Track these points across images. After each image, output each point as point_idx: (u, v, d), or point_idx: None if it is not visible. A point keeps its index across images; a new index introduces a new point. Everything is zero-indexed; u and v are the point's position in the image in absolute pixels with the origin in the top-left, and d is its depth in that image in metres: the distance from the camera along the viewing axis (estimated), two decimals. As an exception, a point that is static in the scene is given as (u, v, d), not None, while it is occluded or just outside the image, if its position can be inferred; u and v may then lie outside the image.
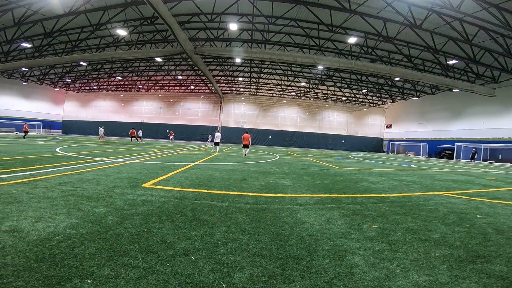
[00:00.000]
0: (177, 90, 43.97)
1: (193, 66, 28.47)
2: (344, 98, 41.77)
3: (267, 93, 42.59)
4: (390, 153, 41.67)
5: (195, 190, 4.79)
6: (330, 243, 2.61)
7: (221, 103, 43.52)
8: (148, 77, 37.29)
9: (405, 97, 38.33)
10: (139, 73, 35.22)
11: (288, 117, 44.48)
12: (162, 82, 39.43)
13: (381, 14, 16.57)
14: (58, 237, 2.35)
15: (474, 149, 26.42)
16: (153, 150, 15.15)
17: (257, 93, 43.07)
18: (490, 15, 14.12)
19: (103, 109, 46.09)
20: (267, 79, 34.86)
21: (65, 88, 45.29)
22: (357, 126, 46.05)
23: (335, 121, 45.66)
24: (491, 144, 27.30)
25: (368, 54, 22.77)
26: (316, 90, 38.86)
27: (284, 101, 44.50)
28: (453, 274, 2.06)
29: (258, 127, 42.91)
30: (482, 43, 18.43)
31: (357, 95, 40.23)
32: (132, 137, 25.86)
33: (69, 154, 9.90)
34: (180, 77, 36.24)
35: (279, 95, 43.26)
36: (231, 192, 4.78)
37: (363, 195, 5.14)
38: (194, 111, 44.16)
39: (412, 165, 15.34)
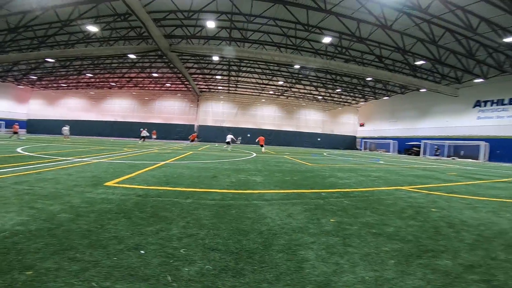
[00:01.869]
0: (152, 88, 42.63)
1: (169, 64, 27.74)
2: (320, 97, 42.74)
3: (246, 91, 42.51)
4: (362, 150, 43.36)
5: (160, 188, 4.68)
6: (286, 237, 2.64)
7: (198, 101, 42.83)
8: (122, 74, 35.77)
9: (376, 96, 39.96)
10: (111, 70, 33.67)
11: (267, 116, 44.78)
12: (136, 79, 38.02)
13: (355, 15, 17.04)
14: (4, 233, 2.28)
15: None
16: (124, 149, 14.61)
17: (236, 92, 42.87)
18: (456, 17, 14.92)
19: (72, 107, 43.65)
20: (246, 77, 34.80)
21: (30, 86, 42.34)
22: (332, 124, 47.37)
23: (311, 119, 46.65)
24: (454, 141, 29.23)
25: (342, 54, 23.44)
26: (293, 89, 39.41)
27: (263, 100, 44.74)
28: (400, 270, 2.06)
29: (237, 125, 42.83)
30: (447, 44, 19.56)
31: (332, 95, 41.31)
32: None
33: (31, 154, 9.30)
34: (155, 75, 35.15)
35: (258, 94, 43.38)
36: (198, 189, 4.73)
37: (329, 190, 5.29)
38: (170, 109, 43.08)
39: (381, 162, 16.05)
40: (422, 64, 24.59)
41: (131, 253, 2.09)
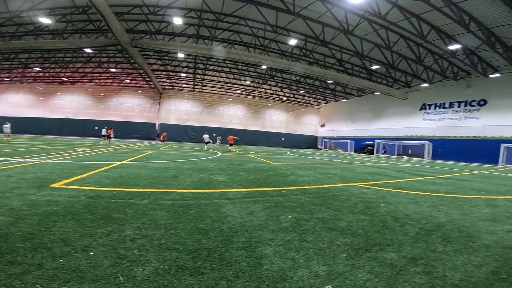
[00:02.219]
0: (109, 84, 39.86)
1: (130, 59, 26.22)
2: (284, 98, 43.85)
3: (212, 90, 41.89)
4: (323, 149, 45.48)
5: (113, 189, 4.41)
6: (247, 235, 2.67)
7: (160, 98, 41.11)
8: (75, 69, 32.90)
9: (336, 99, 42.24)
10: (63, 64, 30.79)
11: (233, 115, 44.64)
12: (91, 74, 35.25)
13: (321, 19, 17.69)
14: None
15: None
16: (75, 149, 13.47)
17: (202, 90, 42.04)
18: (410, 25, 16.10)
19: (16, 103, 39.05)
20: (213, 76, 34.30)
21: (-35, 80, 36.97)
22: (296, 125, 48.91)
23: (276, 119, 47.64)
24: (403, 141, 32.05)
25: (306, 57, 24.31)
26: (260, 89, 39.85)
27: (230, 99, 44.52)
28: (350, 263, 2.14)
29: (202, 124, 42.00)
30: (400, 50, 21.28)
31: (296, 96, 42.64)
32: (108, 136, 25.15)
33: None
34: (113, 70, 32.94)
35: (225, 93, 43.04)
36: (156, 190, 4.55)
37: (289, 188, 5.46)
38: (129, 106, 40.67)
39: (339, 160, 16.96)
40: (377, 69, 26.52)
41: (80, 255, 2.01)
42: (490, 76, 23.81)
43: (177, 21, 17.37)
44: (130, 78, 37.10)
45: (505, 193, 6.24)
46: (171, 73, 33.85)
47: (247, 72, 31.77)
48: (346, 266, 2.09)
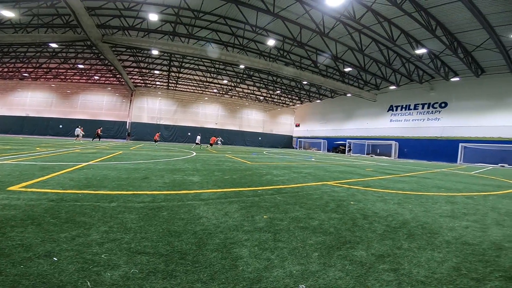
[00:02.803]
0: (76, 80, 37.52)
1: (99, 55, 24.88)
2: (261, 97, 44.13)
3: (188, 88, 40.98)
4: (298, 149, 46.46)
5: (79, 191, 4.15)
6: (222, 236, 2.65)
7: (132, 96, 39.46)
8: (38, 65, 30.53)
9: (311, 99, 43.31)
10: (25, 59, 28.45)
11: (210, 114, 44.06)
12: (57, 70, 32.93)
13: (299, 20, 18.00)
14: None
15: (348, 144, 32.40)
16: (36, 149, 12.52)
17: (176, 88, 40.97)
18: (382, 29, 16.85)
19: (-34, 100, 35.44)
20: (189, 74, 33.56)
21: None
22: (272, 124, 49.45)
23: (253, 119, 47.81)
24: (372, 140, 33.66)
25: (283, 58, 24.66)
26: (237, 89, 39.72)
27: (206, 98, 43.87)
28: (323, 262, 2.17)
29: (177, 123, 40.98)
30: (371, 54, 22.25)
31: (272, 96, 43.08)
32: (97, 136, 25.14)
33: None
34: (81, 66, 31.02)
35: (201, 92, 42.32)
36: (125, 192, 4.36)
37: (264, 188, 5.49)
38: (97, 104, 38.56)
39: (313, 159, 17.40)
40: (349, 71, 27.59)
41: (42, 261, 1.89)
42: (451, 79, 25.73)
43: (153, 17, 16.80)
44: (99, 74, 35.21)
45: (462, 190, 6.73)
46: (144, 70, 32.63)
47: (224, 71, 31.51)
48: (318, 265, 2.11)
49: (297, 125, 50.42)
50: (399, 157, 30.48)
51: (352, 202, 4.53)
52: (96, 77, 36.47)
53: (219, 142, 31.68)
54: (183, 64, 29.76)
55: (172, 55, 26.71)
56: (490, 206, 4.76)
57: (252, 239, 2.62)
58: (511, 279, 1.96)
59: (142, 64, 30.54)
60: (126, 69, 31.31)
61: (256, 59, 23.29)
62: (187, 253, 2.20)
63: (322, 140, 41.68)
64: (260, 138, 46.89)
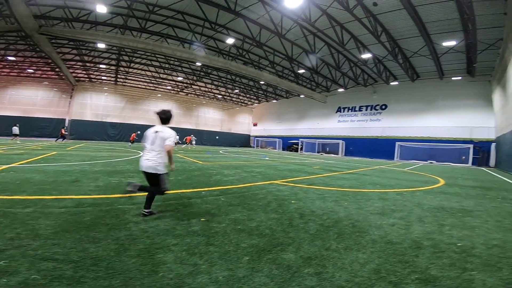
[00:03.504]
0: (5, 74, 32.43)
1: (36, 47, 21.90)
2: (220, 96, 43.50)
3: (139, 84, 38.39)
4: (255, 148, 47.01)
5: (-15, 198, 3.56)
6: (147, 241, 2.50)
7: (73, 91, 35.55)
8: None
9: (268, 99, 44.08)
10: None
11: (163, 112, 41.86)
12: (-20, 62, 28.04)
13: (260, 21, 18.01)
14: None
15: (301, 142, 34.00)
16: None
17: (126, 84, 38.07)
18: (334, 33, 17.60)
19: None
20: (140, 69, 31.45)
21: None
22: (230, 123, 49.16)
23: (210, 118, 46.87)
24: (323, 140, 35.66)
25: (242, 57, 24.55)
26: (194, 86, 38.50)
27: (159, 95, 41.59)
28: (251, 267, 2.11)
29: (125, 121, 38.04)
30: (324, 57, 23.29)
31: (231, 94, 42.79)
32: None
33: None
34: (12, 58, 26.87)
35: (153, 88, 40.04)
36: (47, 197, 3.88)
37: (210, 189, 5.35)
38: (31, 99, 33.77)
39: (267, 158, 17.71)
40: (303, 73, 28.68)
41: None
42: (391, 83, 28.41)
43: (101, 9, 15.29)
44: (34, 67, 30.94)
45: (395, 186, 7.35)
46: (88, 64, 29.63)
47: (180, 68, 30.26)
48: (246, 270, 2.07)
49: (255, 124, 50.97)
50: (345, 155, 32.78)
51: (293, 201, 4.61)
52: (31, 70, 31.94)
53: (193, 142, 30.44)
54: (134, 59, 27.74)
55: (122, 49, 24.76)
56: (416, 202, 5.15)
57: (182, 243, 2.51)
58: (426, 282, 1.99)
59: (86, 58, 27.66)
60: (67, 63, 28.06)
61: (214, 57, 22.84)
62: (102, 259, 2.08)
63: (277, 139, 42.79)
64: (217, 137, 46.21)
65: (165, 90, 41.31)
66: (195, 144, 29.21)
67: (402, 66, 22.67)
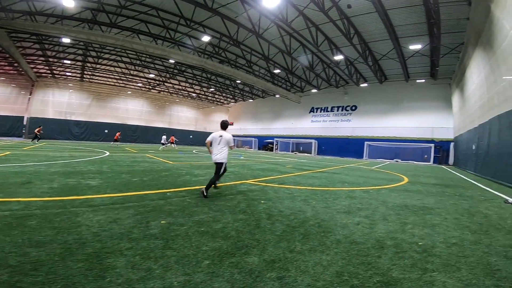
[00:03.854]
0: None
1: (-9, 41, 19.98)
2: (194, 94, 42.58)
3: (107, 81, 36.41)
4: (231, 147, 46.75)
5: None
6: (98, 245, 2.34)
7: (33, 87, 32.84)
8: None
9: (244, 98, 44.01)
10: None
11: (133, 110, 40.06)
12: None
13: (238, 19, 17.82)
14: None
15: (276, 141, 34.41)
16: None
17: (93, 80, 35.91)
18: (309, 34, 17.83)
19: None
20: (109, 65, 29.79)
21: None
22: (206, 122, 48.39)
23: (184, 116, 45.78)
24: (297, 139, 36.33)
25: (218, 55, 24.19)
26: (167, 84, 37.28)
27: (129, 92, 39.74)
28: (211, 271, 2.01)
29: (91, 119, 35.91)
30: (299, 57, 23.54)
31: (206, 93, 42.06)
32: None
33: None
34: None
35: (123, 85, 38.18)
36: (-11, 201, 3.47)
37: (177, 189, 5.13)
38: (-16, 96, 30.86)
39: (241, 157, 17.62)
40: (279, 73, 28.93)
41: None
42: (361, 85, 29.59)
43: (68, 3, 14.20)
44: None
45: (362, 184, 7.59)
46: (51, 60, 27.51)
47: (152, 65, 29.14)
48: (205, 275, 1.96)
49: (231, 124, 50.52)
50: (318, 154, 33.63)
51: (262, 201, 4.54)
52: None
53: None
54: (102, 54, 26.20)
55: (90, 45, 23.31)
56: (381, 200, 5.29)
57: (136, 247, 2.37)
58: (387, 284, 1.96)
59: (50, 53, 25.64)
60: (28, 57, 25.89)
61: (189, 55, 22.24)
62: (44, 264, 1.97)
63: (253, 139, 42.87)
64: (191, 137, 45.22)
65: (136, 87, 39.66)
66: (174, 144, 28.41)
67: (372, 68, 23.65)
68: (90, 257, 2.11)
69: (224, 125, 5.30)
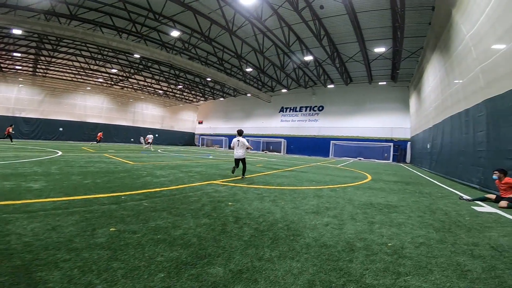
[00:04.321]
0: None
1: None
2: (161, 91, 40.84)
3: (64, 76, 33.43)
4: (200, 146, 45.67)
5: None
6: (28, 257, 2.02)
7: (-25, 82, 29.04)
8: None
9: (214, 97, 43.27)
10: None
11: (92, 107, 37.25)
12: None
13: (211, 15, 17.31)
14: None
15: (247, 141, 34.77)
16: None
17: (47, 75, 32.71)
18: (282, 34, 17.82)
19: None
20: (67, 59, 27.33)
21: None
22: (173, 120, 46.70)
23: (150, 114, 43.75)
24: (267, 138, 36.67)
25: (188, 51, 23.34)
26: (131, 80, 35.19)
27: (88, 88, 36.85)
28: (166, 286, 1.75)
29: (45, 116, 32.71)
30: (271, 57, 23.59)
31: (174, 90, 40.55)
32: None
33: None
34: None
35: (82, 80, 35.33)
36: None
37: (134, 192, 4.68)
38: None
39: (210, 157, 17.14)
40: (251, 72, 28.79)
41: None
42: (328, 86, 30.65)
43: None
44: None
45: (329, 183, 7.67)
46: (-1, 52, 24.58)
47: (115, 60, 27.28)
48: (158, 290, 1.67)
49: (200, 122, 49.46)
50: (287, 153, 34.26)
51: (230, 203, 4.29)
52: None
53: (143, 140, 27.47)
54: (59, 47, 23.92)
55: (45, 37, 21.16)
56: (347, 198, 5.31)
57: (76, 259, 2.04)
58: None
59: (-5, 45, 22.88)
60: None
61: (156, 50, 21.22)
62: None
63: (224, 138, 42.31)
64: (157, 135, 43.24)
65: (96, 83, 36.95)
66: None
67: (339, 70, 24.51)
68: (17, 270, 1.84)
69: (240, 133, 7.85)
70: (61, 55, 26.10)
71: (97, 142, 24.73)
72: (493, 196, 5.58)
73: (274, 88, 34.59)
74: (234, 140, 7.64)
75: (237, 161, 7.55)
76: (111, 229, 2.74)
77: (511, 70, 5.86)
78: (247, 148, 7.70)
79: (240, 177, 7.39)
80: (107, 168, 7.90)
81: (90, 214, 3.23)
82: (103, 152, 15.18)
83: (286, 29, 18.16)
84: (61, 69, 31.14)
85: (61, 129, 32.85)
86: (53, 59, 27.34)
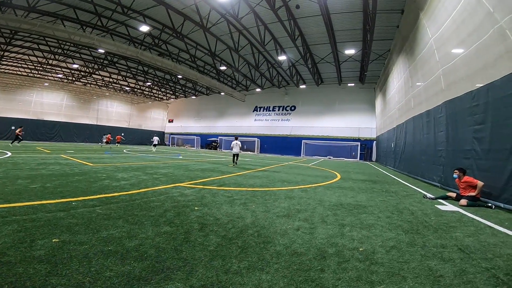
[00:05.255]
0: None
1: None
2: (128, 88, 38.73)
3: (18, 71, 30.42)
4: (170, 145, 44.21)
5: None
6: None
7: None
8: None
9: (186, 95, 42.07)
10: None
11: (51, 104, 34.39)
12: None
13: (185, 11, 16.63)
14: None
15: (219, 140, 33.88)
16: None
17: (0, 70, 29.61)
18: (258, 32, 17.63)
19: None
20: (22, 53, 24.87)
21: None
22: (141, 119, 44.68)
23: (116, 112, 41.46)
24: (241, 137, 36.03)
25: (158, 47, 22.28)
26: (95, 76, 32.91)
27: (46, 84, 33.86)
28: None
29: (-4, 114, 29.54)
30: (245, 55, 23.35)
31: (142, 87, 38.70)
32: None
33: None
34: None
35: (40, 76, 32.38)
36: None
37: (87, 197, 4.21)
38: None
39: (180, 157, 16.53)
40: (225, 70, 28.31)
41: None
42: (300, 87, 31.25)
43: None
44: None
45: (300, 183, 7.64)
46: None
47: (78, 54, 25.28)
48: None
49: (171, 121, 47.79)
50: (260, 152, 34.40)
51: (196, 208, 4.01)
52: None
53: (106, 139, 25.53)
54: (13, 41, 21.63)
55: None
56: (318, 199, 5.26)
57: (8, 274, 1.78)
58: None
59: None
60: None
61: (124, 45, 20.02)
62: None
63: (195, 137, 41.36)
64: (123, 134, 40.98)
65: (56, 79, 34.10)
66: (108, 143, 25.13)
67: (311, 71, 24.99)
68: None
69: (236, 138, 12.76)
70: (15, 49, 23.72)
71: (107, 143, 24.25)
72: (453, 195, 5.89)
73: (248, 87, 34.48)
74: (233, 142, 12.58)
75: (234, 156, 12.59)
76: (53, 240, 2.39)
77: (469, 73, 6.22)
78: (240, 148, 12.87)
79: (232, 165, 12.20)
80: (62, 170, 7.15)
81: (31, 223, 2.81)
82: (60, 153, 13.93)
83: (262, 28, 18.06)
84: (15, 64, 28.32)
85: (13, 127, 29.79)
86: (6, 53, 24.73)
